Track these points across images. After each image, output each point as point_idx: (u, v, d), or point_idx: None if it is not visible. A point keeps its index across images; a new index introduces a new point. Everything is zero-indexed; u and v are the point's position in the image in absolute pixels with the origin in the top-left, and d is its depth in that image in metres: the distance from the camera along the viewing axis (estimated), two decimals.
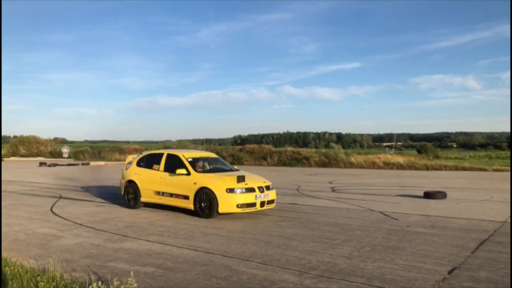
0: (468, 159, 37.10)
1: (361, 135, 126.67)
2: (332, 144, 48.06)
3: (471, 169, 26.41)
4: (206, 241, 6.78)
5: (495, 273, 4.99)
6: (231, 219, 8.81)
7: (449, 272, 5.04)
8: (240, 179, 8.81)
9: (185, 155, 9.89)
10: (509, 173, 23.66)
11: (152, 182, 9.96)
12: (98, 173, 22.77)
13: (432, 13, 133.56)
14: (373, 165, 28.79)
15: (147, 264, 5.42)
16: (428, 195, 12.24)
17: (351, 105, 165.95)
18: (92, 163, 32.79)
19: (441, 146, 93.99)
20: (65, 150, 40.61)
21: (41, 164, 30.40)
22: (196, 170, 9.44)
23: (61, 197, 12.61)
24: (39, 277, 4.31)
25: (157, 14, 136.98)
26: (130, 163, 10.88)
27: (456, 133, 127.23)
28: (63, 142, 60.88)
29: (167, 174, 9.74)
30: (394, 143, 61.92)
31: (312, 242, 6.69)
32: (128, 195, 10.47)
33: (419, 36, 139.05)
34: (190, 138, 51.33)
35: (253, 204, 8.77)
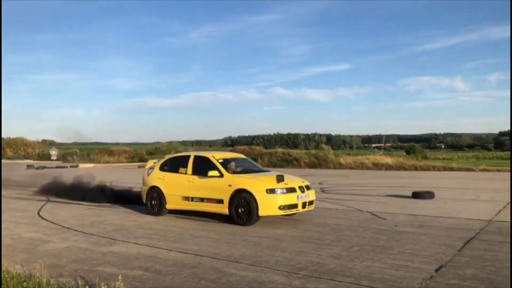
0: (456, 160, 37.54)
1: (351, 136, 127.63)
2: (322, 145, 48.36)
3: (458, 169, 26.74)
4: (195, 243, 6.77)
5: (481, 271, 5.08)
6: (220, 221, 8.76)
7: (436, 270, 5.11)
8: (280, 178, 8.25)
9: (215, 156, 9.34)
10: (495, 173, 24.07)
11: (179, 186, 9.30)
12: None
13: (420, 15, 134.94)
14: (362, 166, 28.96)
15: (135, 267, 5.39)
16: (416, 195, 12.37)
17: (340, 107, 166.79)
18: (81, 165, 32.45)
19: (429, 147, 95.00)
20: (54, 152, 40.03)
21: (29, 166, 29.95)
22: (227, 172, 8.87)
23: (48, 200, 12.45)
24: (25, 283, 4.26)
25: (147, 15, 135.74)
26: (152, 167, 10.14)
27: (444, 134, 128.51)
28: (51, 144, 60.08)
29: (196, 177, 9.07)
30: (383, 144, 62.59)
31: (301, 242, 6.72)
32: (151, 202, 9.70)
33: (407, 38, 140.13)
34: (180, 139, 50.87)
35: (295, 206, 8.19)
